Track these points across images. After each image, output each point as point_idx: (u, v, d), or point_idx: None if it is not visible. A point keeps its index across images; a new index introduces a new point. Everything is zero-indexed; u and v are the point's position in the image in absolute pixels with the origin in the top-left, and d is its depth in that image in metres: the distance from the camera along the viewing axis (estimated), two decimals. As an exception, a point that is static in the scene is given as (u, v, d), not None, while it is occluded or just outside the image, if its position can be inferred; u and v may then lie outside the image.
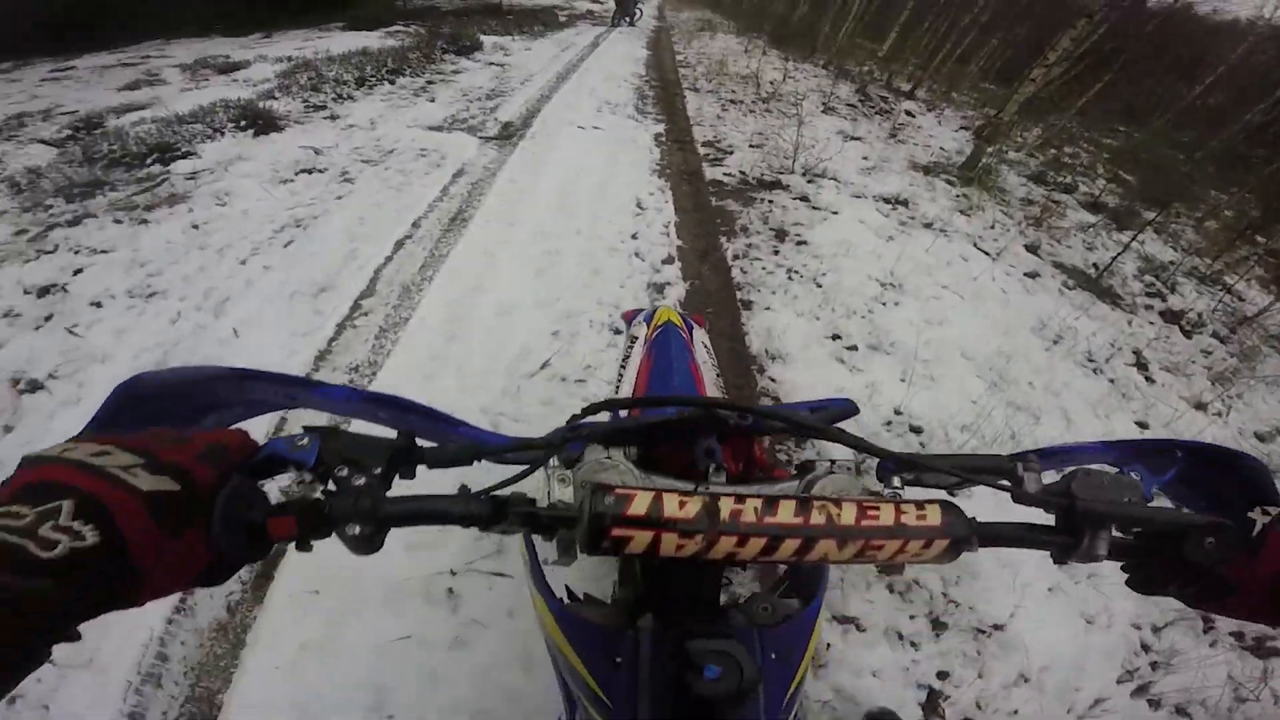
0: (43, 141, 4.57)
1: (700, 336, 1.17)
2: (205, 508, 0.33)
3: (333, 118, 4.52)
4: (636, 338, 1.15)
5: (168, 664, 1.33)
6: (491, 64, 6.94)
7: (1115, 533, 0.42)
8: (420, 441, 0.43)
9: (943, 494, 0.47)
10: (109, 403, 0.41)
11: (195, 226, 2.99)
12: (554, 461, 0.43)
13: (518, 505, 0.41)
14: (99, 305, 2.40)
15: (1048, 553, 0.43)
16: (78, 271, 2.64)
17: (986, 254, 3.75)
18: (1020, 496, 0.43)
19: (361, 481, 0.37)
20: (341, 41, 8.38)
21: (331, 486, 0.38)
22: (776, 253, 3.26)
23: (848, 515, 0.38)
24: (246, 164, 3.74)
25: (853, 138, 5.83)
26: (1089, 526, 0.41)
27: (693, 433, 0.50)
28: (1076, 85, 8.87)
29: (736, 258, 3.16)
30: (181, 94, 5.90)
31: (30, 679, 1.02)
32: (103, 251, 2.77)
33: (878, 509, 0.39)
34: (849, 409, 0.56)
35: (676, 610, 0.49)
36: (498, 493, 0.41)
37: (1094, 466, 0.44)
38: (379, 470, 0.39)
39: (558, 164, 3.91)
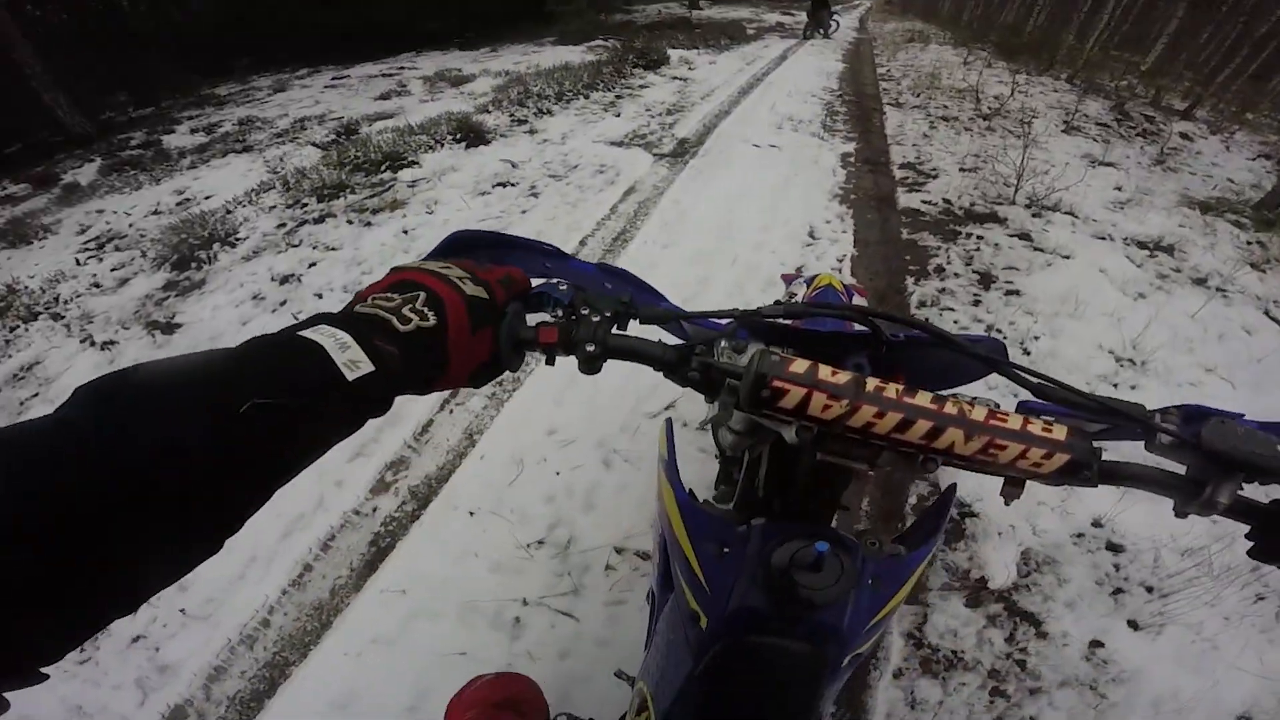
0: (314, 144, 5.61)
1: (860, 303, 1.18)
2: (497, 317, 0.45)
3: (531, 132, 4.87)
4: (795, 295, 1.19)
5: (267, 630, 1.48)
6: (675, 78, 7.01)
7: (1242, 490, 0.41)
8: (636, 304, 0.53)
9: None
10: (443, 242, 0.58)
11: (405, 232, 3.37)
12: (724, 344, 0.50)
13: (701, 357, 0.48)
14: (320, 296, 2.79)
15: (1170, 502, 0.44)
16: (312, 265, 3.12)
17: (1284, 327, 2.76)
18: (1153, 445, 0.44)
19: (597, 319, 0.48)
20: (551, 56, 9.16)
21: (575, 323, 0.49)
22: (977, 303, 2.72)
23: (978, 414, 0.41)
24: (455, 174, 4.16)
25: (1102, 163, 4.79)
26: (1214, 473, 0.41)
27: (846, 349, 0.55)
28: None
29: (923, 305, 2.71)
30: (420, 105, 6.87)
31: (157, 624, 1.51)
32: (332, 249, 3.24)
33: (1006, 416, 0.41)
34: (997, 348, 0.55)
35: (791, 518, 0.55)
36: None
37: (1225, 418, 0.42)
38: (608, 315, 0.49)
39: (725, 184, 3.75)
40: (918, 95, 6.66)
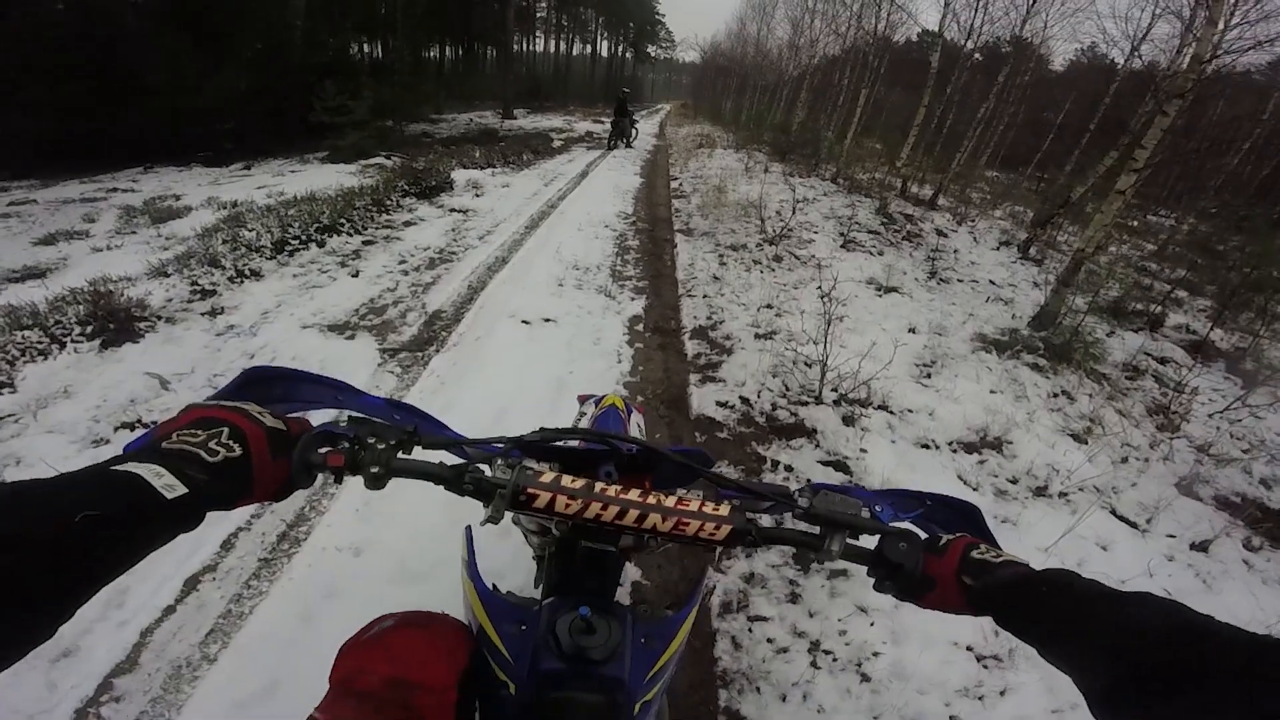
0: None
1: (636, 419, 1.35)
2: (291, 447, 0.55)
3: (213, 313, 3.52)
4: (585, 414, 1.33)
5: None
6: (454, 211, 6.14)
7: (850, 540, 0.63)
8: (420, 433, 0.64)
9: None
10: (237, 378, 0.63)
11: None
12: (500, 461, 0.62)
13: (473, 473, 0.61)
14: None
15: (812, 555, 0.64)
16: None
17: (1132, 525, 2.48)
18: (797, 515, 0.65)
19: (381, 446, 0.59)
20: (310, 178, 7.81)
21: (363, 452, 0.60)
22: (795, 599, 1.90)
23: (669, 501, 0.61)
24: (64, 405, 2.68)
25: (888, 288, 4.76)
26: (827, 531, 0.63)
27: (597, 460, 0.74)
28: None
29: (725, 613, 1.82)
30: (90, 255, 5.11)
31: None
32: None
33: (690, 501, 0.62)
34: (702, 458, 0.73)
35: (577, 595, 0.67)
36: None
37: (835, 491, 0.65)
38: (392, 443, 0.60)
39: (472, 400, 2.76)
40: (707, 217, 6.56)
